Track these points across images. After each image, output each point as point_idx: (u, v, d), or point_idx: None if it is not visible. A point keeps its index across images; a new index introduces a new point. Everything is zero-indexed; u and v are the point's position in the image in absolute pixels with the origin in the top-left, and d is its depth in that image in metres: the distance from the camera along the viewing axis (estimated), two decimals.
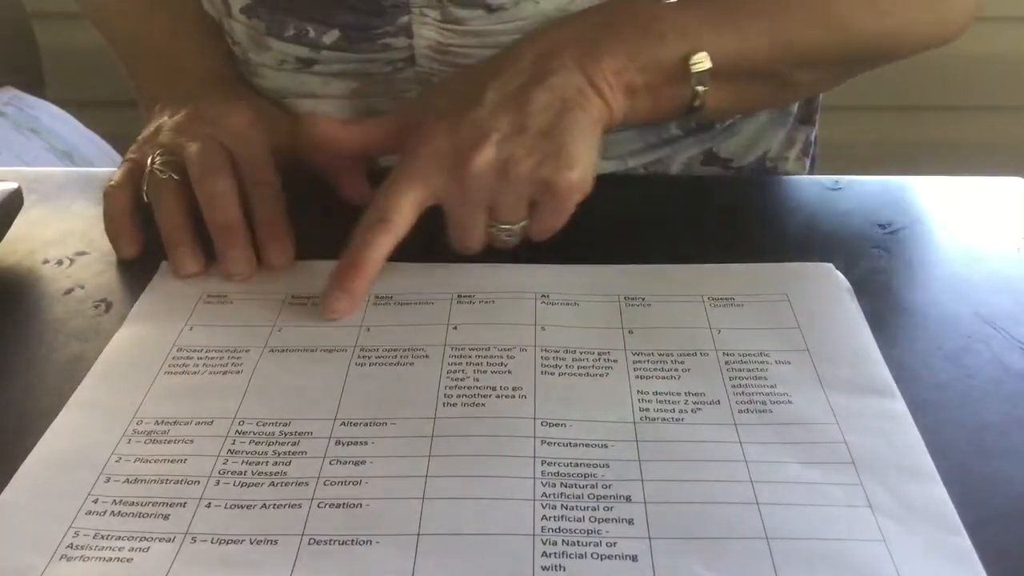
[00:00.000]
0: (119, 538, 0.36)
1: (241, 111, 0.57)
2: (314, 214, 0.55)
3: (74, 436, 0.41)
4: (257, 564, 0.35)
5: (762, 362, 0.45)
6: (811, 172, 0.73)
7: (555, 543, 0.36)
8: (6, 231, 0.54)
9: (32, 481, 0.39)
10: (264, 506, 0.38)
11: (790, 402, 0.43)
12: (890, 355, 0.45)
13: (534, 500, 0.38)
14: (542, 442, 0.41)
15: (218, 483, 0.39)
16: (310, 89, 0.61)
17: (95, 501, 0.38)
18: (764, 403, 0.43)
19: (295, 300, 0.50)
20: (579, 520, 0.37)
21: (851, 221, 0.56)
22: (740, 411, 0.42)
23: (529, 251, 0.53)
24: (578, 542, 0.36)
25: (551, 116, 0.48)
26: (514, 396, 0.43)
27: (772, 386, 0.44)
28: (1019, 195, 0.60)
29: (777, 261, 0.52)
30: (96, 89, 1.09)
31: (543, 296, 0.49)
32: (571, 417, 0.42)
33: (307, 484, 0.39)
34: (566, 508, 0.37)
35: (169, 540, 0.36)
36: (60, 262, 0.54)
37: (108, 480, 0.39)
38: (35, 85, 1.29)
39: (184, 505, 0.38)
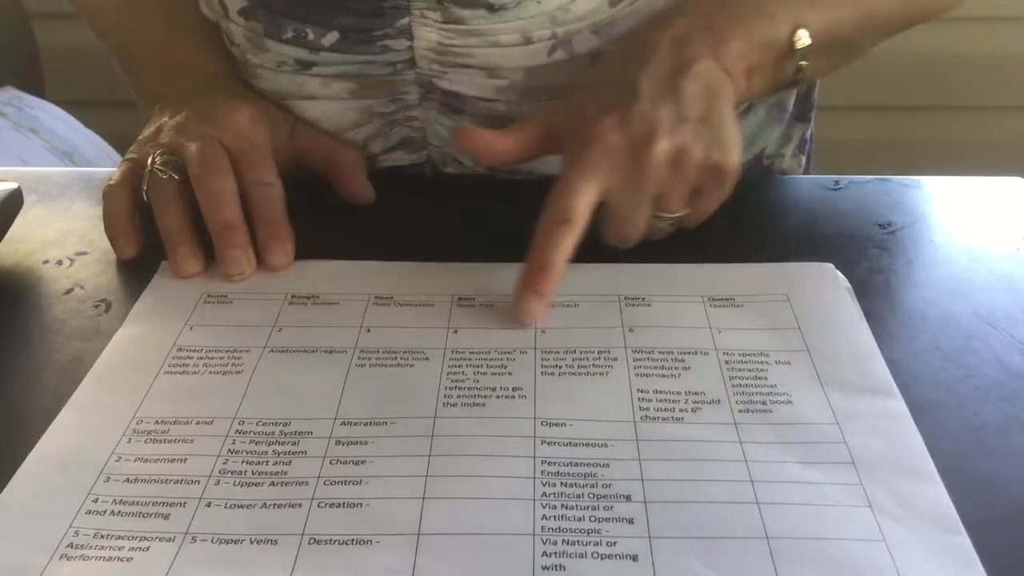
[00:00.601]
0: (119, 537, 0.36)
1: (242, 111, 0.57)
2: (314, 214, 0.55)
3: (74, 436, 0.41)
4: (257, 564, 0.35)
5: (762, 362, 0.45)
6: (807, 169, 0.73)
7: (555, 543, 0.36)
8: (6, 231, 0.54)
9: (32, 481, 0.39)
10: (264, 506, 0.38)
11: (790, 402, 0.43)
12: (890, 355, 0.45)
13: (534, 500, 0.38)
14: (542, 442, 0.41)
15: (218, 483, 0.39)
16: (309, 91, 0.61)
17: (95, 501, 0.38)
18: (764, 403, 0.43)
19: (295, 300, 0.50)
20: (579, 520, 0.37)
21: (851, 221, 0.56)
22: (740, 411, 0.42)
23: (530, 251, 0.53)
24: (578, 542, 0.36)
25: (704, 103, 0.49)
26: (514, 396, 0.43)
27: (772, 386, 0.44)
28: (1019, 195, 0.60)
29: (777, 261, 0.52)
30: (96, 89, 1.09)
31: None
32: (571, 417, 0.42)
33: (307, 484, 0.39)
34: (566, 508, 0.37)
35: (169, 540, 0.36)
36: (60, 262, 0.54)
37: (108, 480, 0.39)
38: (35, 85, 1.29)
39: (184, 505, 0.38)
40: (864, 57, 0.61)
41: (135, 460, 0.40)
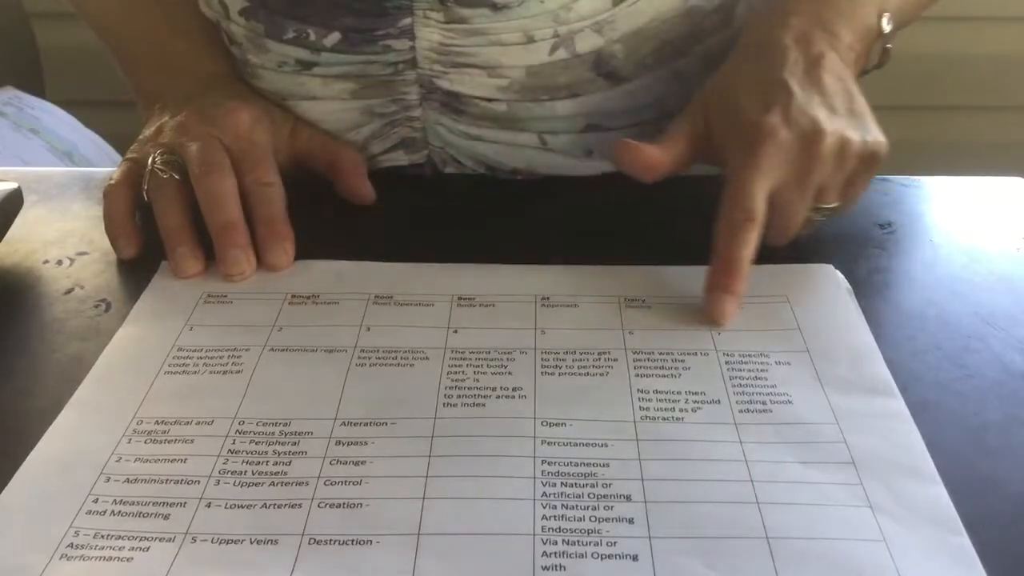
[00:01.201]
0: (119, 538, 0.36)
1: (242, 111, 0.57)
2: (314, 214, 0.55)
3: (74, 436, 0.41)
4: (257, 564, 0.35)
5: (762, 362, 0.45)
6: None
7: (555, 543, 0.36)
8: (6, 231, 0.54)
9: (32, 481, 0.39)
10: (264, 506, 0.38)
11: (790, 402, 0.43)
12: (890, 355, 0.45)
13: (534, 500, 0.38)
14: (542, 442, 0.41)
15: (218, 483, 0.39)
16: (309, 91, 0.61)
17: (95, 501, 0.38)
18: (764, 403, 0.43)
19: (295, 300, 0.50)
20: (579, 520, 0.37)
21: (851, 221, 0.56)
22: (740, 411, 0.42)
23: (529, 251, 0.53)
24: (578, 541, 0.36)
25: (844, 95, 0.51)
26: (514, 396, 0.43)
27: (772, 386, 0.44)
28: (1019, 195, 0.60)
29: (777, 262, 0.52)
30: (96, 89, 1.09)
31: (543, 299, 0.49)
32: (571, 416, 0.42)
33: (307, 484, 0.39)
34: (566, 508, 0.37)
35: (169, 540, 0.36)
36: (60, 262, 0.54)
37: (108, 480, 0.39)
38: (35, 85, 1.29)
39: (184, 505, 0.38)
40: None
41: (135, 460, 0.40)
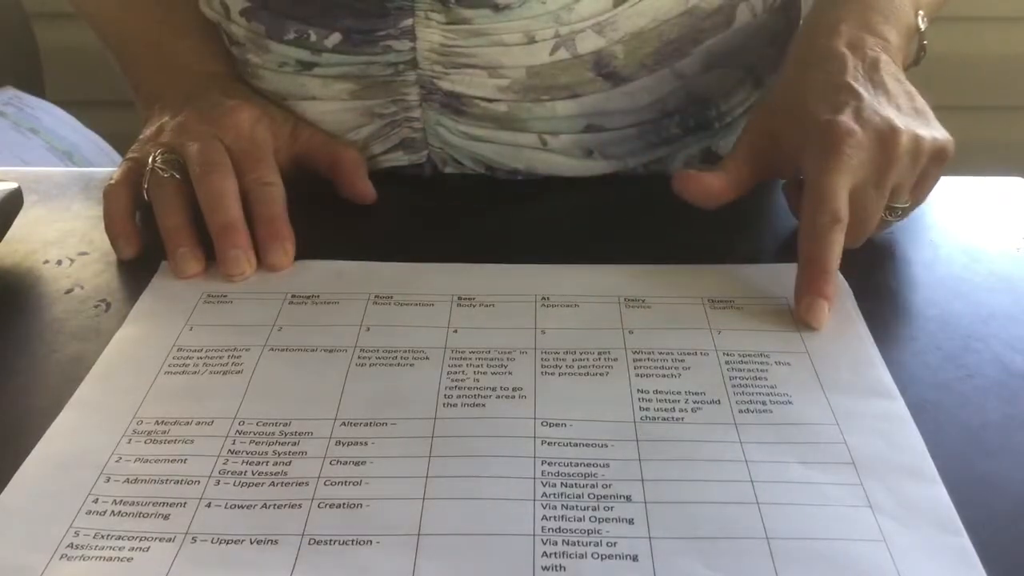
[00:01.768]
0: (119, 538, 0.36)
1: (243, 111, 0.57)
2: (314, 214, 0.55)
3: (74, 436, 0.41)
4: (257, 564, 0.35)
5: (762, 363, 0.45)
6: None
7: (555, 543, 0.36)
8: (6, 231, 0.54)
9: (32, 481, 0.39)
10: (264, 506, 0.38)
11: (790, 403, 0.43)
12: (890, 355, 0.45)
13: (534, 500, 0.38)
14: (542, 442, 0.41)
15: (218, 483, 0.39)
16: (310, 91, 0.61)
17: (95, 501, 0.38)
18: (764, 403, 0.43)
19: (295, 300, 0.50)
20: (579, 520, 0.37)
21: None
22: (740, 411, 0.42)
23: (529, 251, 0.53)
24: (578, 542, 0.36)
25: (906, 96, 0.52)
26: (514, 396, 0.43)
27: (772, 387, 0.44)
28: (1019, 195, 0.60)
29: (777, 262, 0.52)
30: (96, 89, 1.09)
31: (543, 299, 0.49)
32: (571, 417, 0.42)
33: (307, 484, 0.39)
34: (566, 508, 0.37)
35: (169, 540, 0.36)
36: (60, 262, 0.54)
37: (108, 480, 0.39)
38: (35, 85, 1.29)
39: (184, 505, 0.38)
40: None
41: (135, 460, 0.40)
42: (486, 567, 0.35)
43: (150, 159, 0.54)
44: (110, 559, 0.36)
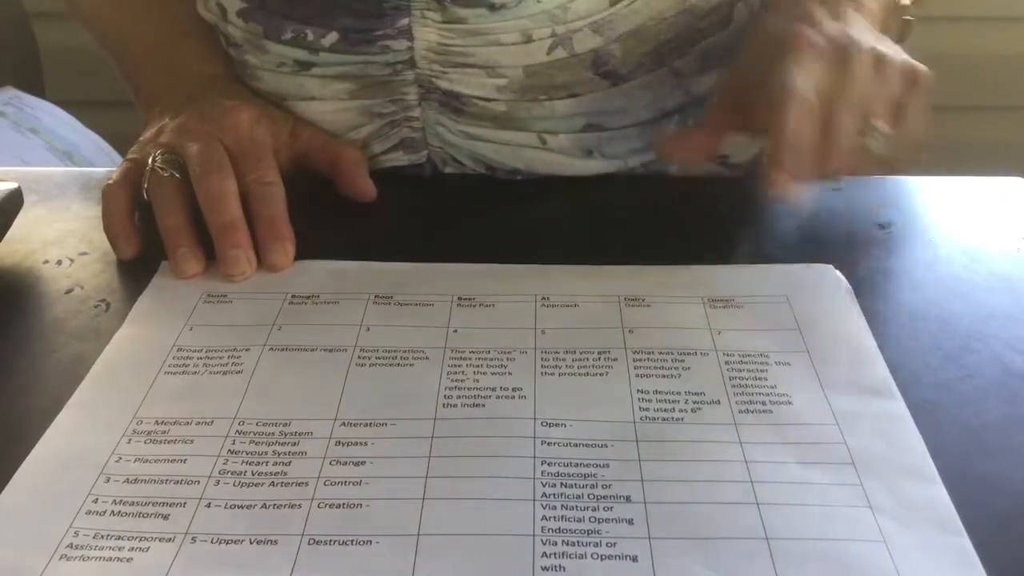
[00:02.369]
0: (119, 538, 0.36)
1: (242, 111, 0.57)
2: (314, 214, 0.55)
3: (74, 436, 0.41)
4: (257, 564, 0.35)
5: (762, 363, 0.45)
6: None
7: (555, 543, 0.36)
8: (6, 231, 0.54)
9: (32, 481, 0.39)
10: (264, 506, 0.38)
11: (790, 403, 0.43)
12: (890, 355, 0.45)
13: (534, 500, 0.38)
14: (542, 442, 0.41)
15: (218, 483, 0.39)
16: (308, 91, 0.61)
17: (95, 501, 0.38)
18: (764, 403, 0.43)
19: (295, 300, 0.50)
20: (579, 520, 0.37)
21: (851, 221, 0.56)
22: (740, 411, 0.42)
23: (529, 251, 0.53)
24: (578, 542, 0.36)
25: (871, 32, 0.51)
26: (514, 397, 0.43)
27: (772, 387, 0.44)
28: (1019, 195, 0.60)
29: (777, 262, 0.52)
30: (96, 89, 1.09)
31: (543, 299, 0.49)
32: (571, 417, 0.42)
33: (307, 484, 0.39)
34: (566, 508, 0.37)
35: (169, 540, 0.36)
36: (60, 262, 0.54)
37: (108, 480, 0.39)
38: (35, 85, 1.29)
39: (184, 505, 0.38)
40: None
41: (135, 460, 0.40)
42: (486, 567, 0.35)
43: (150, 159, 0.54)
44: (110, 559, 0.36)
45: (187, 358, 0.46)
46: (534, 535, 0.36)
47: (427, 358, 0.46)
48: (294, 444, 0.41)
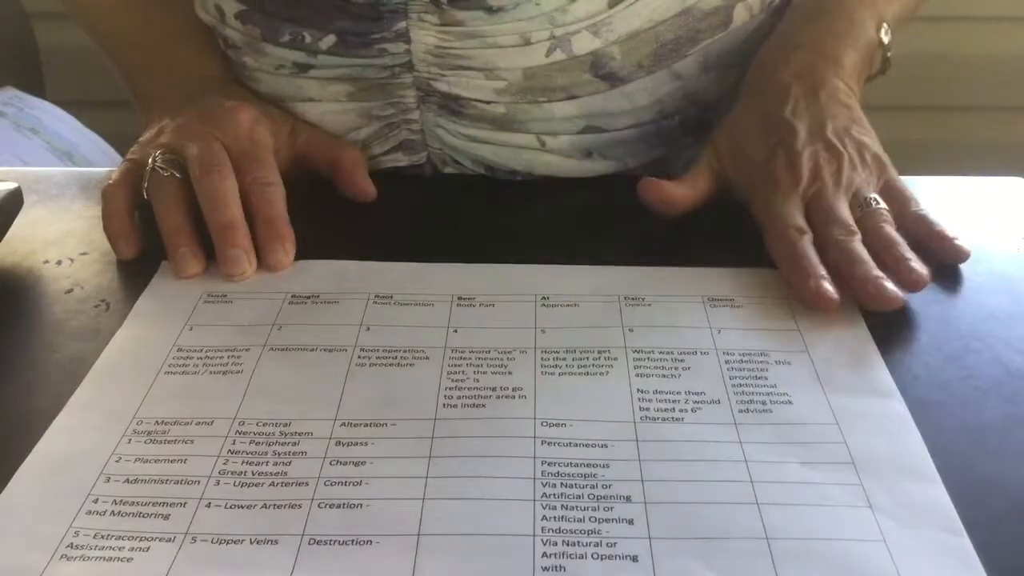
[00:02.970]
0: (119, 538, 0.36)
1: (242, 111, 0.57)
2: (314, 214, 0.55)
3: (74, 436, 0.41)
4: (257, 564, 0.35)
5: (762, 362, 0.45)
6: None
7: (555, 543, 0.36)
8: (6, 231, 0.54)
9: (32, 481, 0.39)
10: (264, 506, 0.38)
11: (790, 402, 0.43)
12: (890, 355, 0.45)
13: (534, 500, 0.38)
14: (542, 442, 0.41)
15: (218, 483, 0.39)
16: (306, 93, 0.61)
17: (95, 501, 0.38)
18: (764, 403, 0.43)
19: (295, 300, 0.50)
20: (579, 520, 0.37)
21: None
22: (740, 411, 0.42)
23: (529, 251, 0.53)
24: (578, 542, 0.36)
25: (845, 118, 0.54)
26: (514, 396, 0.43)
27: (772, 386, 0.44)
28: (1019, 195, 0.60)
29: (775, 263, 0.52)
30: (96, 89, 1.09)
31: (543, 298, 0.49)
32: (571, 417, 0.42)
33: (307, 484, 0.39)
34: (566, 508, 0.37)
35: (169, 540, 0.36)
36: (60, 262, 0.54)
37: (108, 480, 0.39)
38: (35, 85, 1.29)
39: (184, 505, 0.38)
40: None
41: (135, 460, 0.40)
42: (486, 567, 0.35)
43: (150, 159, 0.54)
44: (110, 559, 0.36)
45: (187, 358, 0.46)
46: (534, 535, 0.36)
47: (427, 358, 0.46)
48: (294, 444, 0.41)
